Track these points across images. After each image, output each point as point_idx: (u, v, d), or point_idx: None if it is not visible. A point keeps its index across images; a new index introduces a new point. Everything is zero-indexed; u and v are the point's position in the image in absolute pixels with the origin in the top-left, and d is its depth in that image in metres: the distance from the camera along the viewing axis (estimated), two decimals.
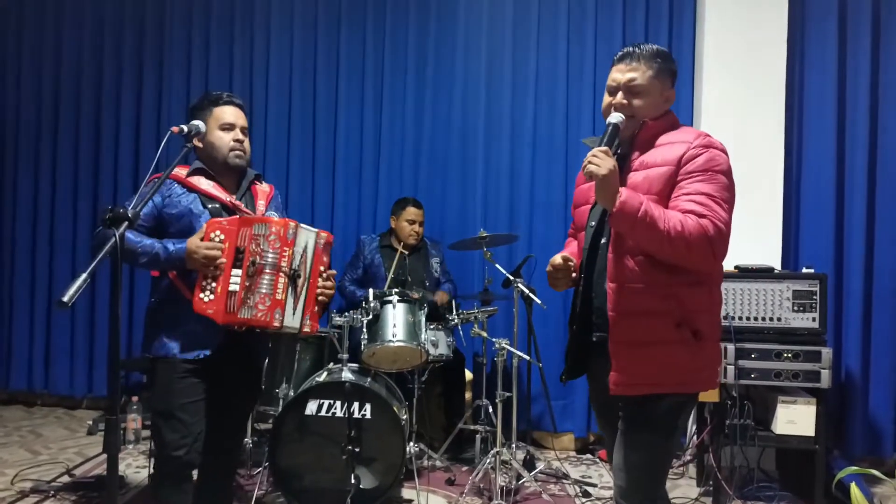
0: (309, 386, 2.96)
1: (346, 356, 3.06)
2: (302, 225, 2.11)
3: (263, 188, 2.32)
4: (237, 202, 2.17)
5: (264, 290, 2.03)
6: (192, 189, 2.14)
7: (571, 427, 4.10)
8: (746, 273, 3.23)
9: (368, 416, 2.87)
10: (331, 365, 3.20)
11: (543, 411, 3.98)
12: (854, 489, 1.94)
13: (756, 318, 3.20)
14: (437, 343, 3.35)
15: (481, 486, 3.23)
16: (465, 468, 3.53)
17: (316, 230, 2.16)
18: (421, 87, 4.35)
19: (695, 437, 3.57)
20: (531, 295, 3.28)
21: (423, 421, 3.65)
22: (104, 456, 1.61)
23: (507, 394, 3.22)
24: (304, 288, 2.12)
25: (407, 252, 3.93)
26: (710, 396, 3.13)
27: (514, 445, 3.40)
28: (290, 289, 2.07)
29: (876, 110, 3.80)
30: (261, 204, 2.26)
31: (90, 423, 4.20)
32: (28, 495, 3.06)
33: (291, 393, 3.13)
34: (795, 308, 3.17)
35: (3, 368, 4.76)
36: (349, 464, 2.79)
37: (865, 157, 3.77)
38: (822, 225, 3.81)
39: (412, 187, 4.32)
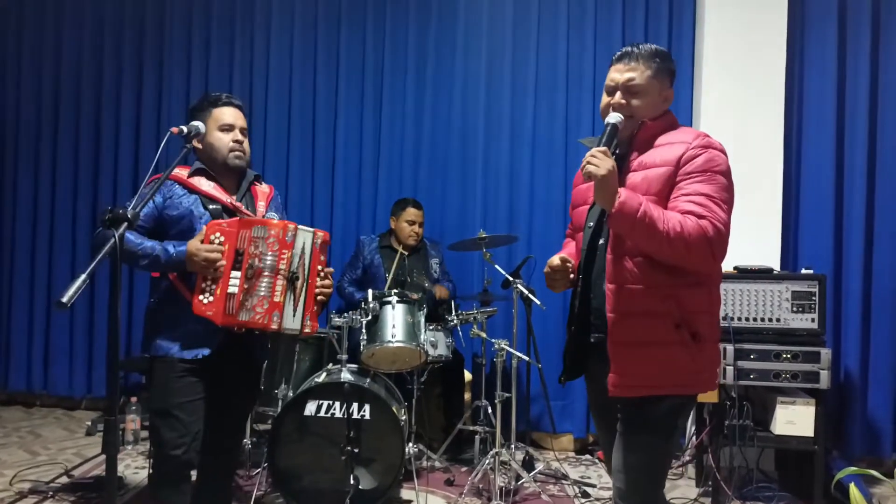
0: (308, 386, 2.95)
1: (345, 357, 3.07)
2: (300, 226, 2.12)
3: (263, 189, 2.33)
4: (237, 203, 2.17)
5: (262, 293, 2.03)
6: (192, 190, 2.14)
7: (570, 428, 4.10)
8: (746, 274, 3.23)
9: (367, 416, 2.87)
10: (330, 365, 3.20)
11: (542, 412, 3.99)
12: (853, 489, 1.94)
13: (755, 319, 3.20)
14: (436, 344, 3.35)
15: (480, 486, 3.23)
16: (464, 469, 3.53)
17: (313, 230, 2.17)
18: (421, 88, 4.36)
19: (694, 438, 3.57)
20: (530, 296, 3.28)
21: (423, 421, 3.65)
22: (103, 456, 1.62)
23: (507, 394, 3.22)
24: (304, 289, 2.13)
25: (407, 253, 3.93)
26: (710, 397, 3.13)
27: (513, 446, 3.41)
28: (288, 291, 2.08)
29: (875, 111, 3.80)
30: (261, 205, 2.26)
31: (89, 423, 4.19)
32: (27, 496, 3.06)
33: (290, 393, 3.12)
34: (794, 309, 3.17)
35: (2, 369, 4.76)
36: (348, 464, 2.79)
37: (865, 158, 3.78)
38: (821, 226, 3.81)
39: (412, 188, 4.32)
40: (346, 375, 2.94)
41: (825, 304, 3.17)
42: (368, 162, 4.41)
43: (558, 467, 3.62)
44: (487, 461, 3.15)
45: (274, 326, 2.05)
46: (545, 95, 4.23)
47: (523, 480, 3.25)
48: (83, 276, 1.34)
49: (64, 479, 3.25)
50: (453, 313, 3.45)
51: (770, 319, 3.19)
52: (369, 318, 3.12)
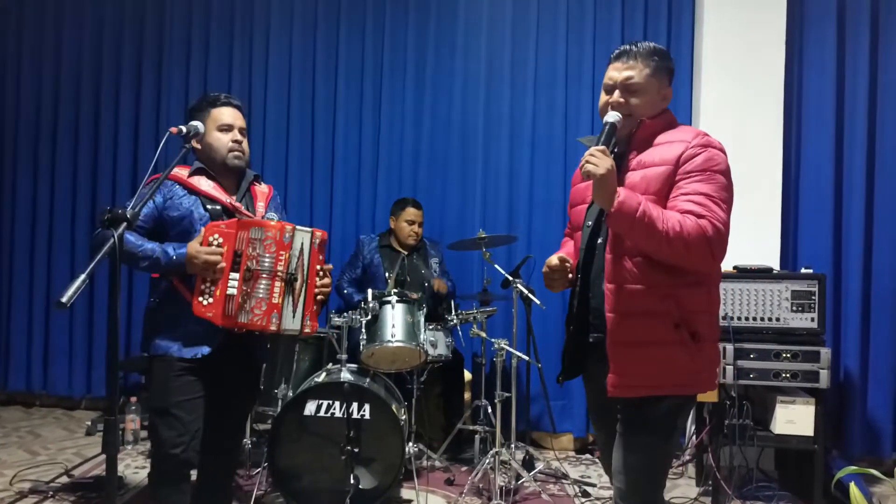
0: (308, 386, 2.95)
1: (344, 356, 3.07)
2: (298, 226, 2.12)
3: (262, 189, 2.33)
4: (237, 204, 2.17)
5: (261, 295, 2.03)
6: (193, 191, 2.14)
7: (570, 427, 4.10)
8: (745, 273, 3.23)
9: (367, 416, 2.87)
10: (330, 365, 3.20)
11: (542, 411, 3.99)
12: (853, 489, 1.94)
13: (755, 319, 3.20)
14: (436, 343, 3.35)
15: (480, 486, 3.23)
16: (464, 468, 3.53)
17: (310, 230, 2.17)
18: (420, 87, 4.36)
19: (694, 437, 3.57)
20: (530, 295, 3.28)
21: (422, 421, 3.65)
22: (103, 456, 1.62)
23: (506, 394, 3.22)
24: (303, 289, 2.13)
25: (406, 253, 3.93)
26: (709, 397, 3.13)
27: (513, 446, 3.41)
28: (287, 292, 2.08)
29: (874, 110, 3.80)
30: (260, 206, 2.26)
31: (89, 423, 4.19)
32: (27, 496, 3.06)
33: (290, 393, 3.13)
34: (794, 308, 3.17)
35: (2, 369, 4.76)
36: (348, 464, 2.79)
37: (864, 157, 3.78)
38: (820, 225, 3.81)
39: (411, 187, 4.32)
40: (345, 375, 2.95)
41: (825, 304, 3.17)
42: (368, 162, 4.41)
43: (558, 467, 3.63)
44: (487, 461, 3.15)
45: (273, 328, 2.06)
46: (545, 95, 4.22)
47: (523, 480, 3.25)
48: (83, 276, 1.34)
49: (64, 479, 3.26)
50: (453, 313, 3.45)
51: (770, 319, 3.19)
52: (369, 317, 3.12)
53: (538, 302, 3.26)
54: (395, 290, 3.22)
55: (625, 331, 1.71)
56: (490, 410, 3.50)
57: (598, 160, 1.63)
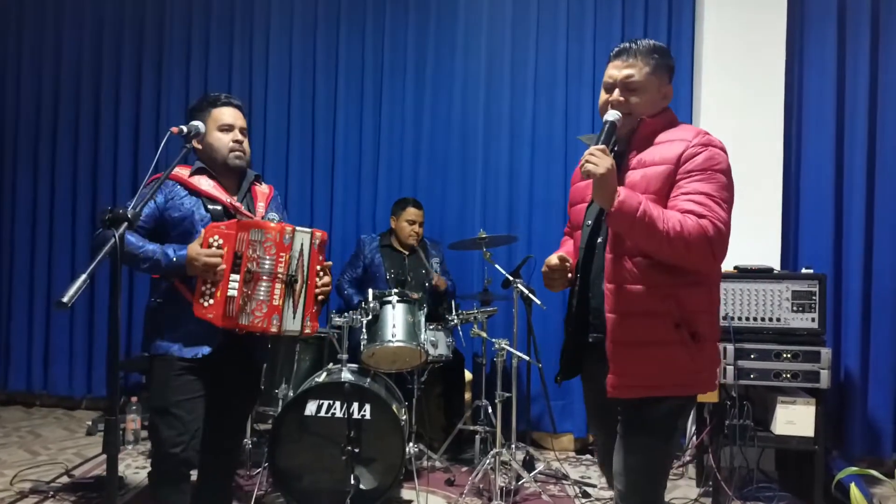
0: (308, 386, 2.95)
1: (345, 356, 3.07)
2: (297, 227, 2.12)
3: (263, 189, 2.33)
4: (237, 204, 2.17)
5: (261, 297, 2.04)
6: (194, 191, 2.14)
7: (571, 427, 4.10)
8: (746, 273, 3.23)
9: (368, 416, 2.87)
10: (330, 365, 3.20)
11: (543, 412, 3.99)
12: (853, 490, 1.94)
13: (755, 319, 3.20)
14: (436, 343, 3.35)
15: (481, 486, 3.23)
16: (464, 469, 3.53)
17: (310, 230, 2.16)
18: (420, 87, 4.36)
19: (694, 438, 3.57)
20: (531, 295, 3.28)
21: (423, 421, 3.65)
22: (103, 456, 1.61)
23: (507, 394, 3.22)
24: (303, 290, 2.13)
25: (407, 252, 3.93)
26: (710, 397, 3.13)
27: (513, 446, 3.40)
28: (287, 294, 2.08)
29: (875, 110, 3.80)
30: (260, 206, 2.26)
31: (89, 423, 4.19)
32: (27, 496, 3.06)
33: (291, 393, 3.12)
34: (795, 308, 3.17)
35: (2, 369, 4.76)
36: (349, 464, 2.79)
37: (864, 157, 3.77)
38: (821, 225, 3.81)
39: (411, 187, 4.32)
40: (346, 375, 2.94)
41: (825, 304, 3.17)
42: (368, 161, 4.41)
43: (559, 467, 3.62)
44: (488, 461, 3.15)
45: (274, 330, 2.06)
46: (545, 94, 4.22)
47: (524, 480, 3.25)
48: (83, 277, 1.34)
49: (64, 479, 3.26)
50: (453, 313, 3.45)
51: (770, 319, 3.18)
52: (369, 317, 3.12)
53: (539, 302, 3.26)
54: (396, 290, 3.22)
55: (625, 331, 1.70)
56: (490, 410, 3.50)
57: (597, 159, 1.62)
